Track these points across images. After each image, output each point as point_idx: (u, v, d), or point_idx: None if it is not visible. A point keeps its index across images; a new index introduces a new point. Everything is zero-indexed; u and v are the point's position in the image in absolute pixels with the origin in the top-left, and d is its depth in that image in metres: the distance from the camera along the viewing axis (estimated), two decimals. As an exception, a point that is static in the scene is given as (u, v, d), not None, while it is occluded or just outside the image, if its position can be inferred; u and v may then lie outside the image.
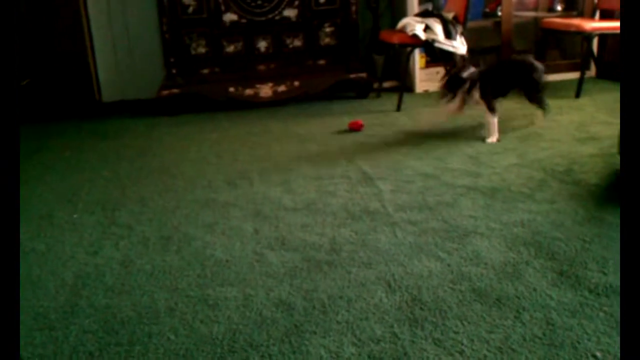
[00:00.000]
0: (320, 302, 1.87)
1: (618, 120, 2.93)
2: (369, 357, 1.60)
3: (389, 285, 1.96)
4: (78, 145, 3.86)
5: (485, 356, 1.58)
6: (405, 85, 4.76)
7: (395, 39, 4.37)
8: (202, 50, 4.61)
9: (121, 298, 1.96)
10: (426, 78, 4.95)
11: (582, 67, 4.55)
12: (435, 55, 4.77)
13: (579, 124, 3.76)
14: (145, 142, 3.86)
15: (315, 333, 1.71)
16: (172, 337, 1.72)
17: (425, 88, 4.94)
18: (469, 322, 1.74)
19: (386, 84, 4.82)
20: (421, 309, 1.82)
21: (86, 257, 2.26)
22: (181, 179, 3.11)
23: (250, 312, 1.84)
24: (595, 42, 5.02)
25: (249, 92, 4.55)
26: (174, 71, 4.57)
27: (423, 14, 4.50)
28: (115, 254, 2.28)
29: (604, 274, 1.96)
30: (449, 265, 2.08)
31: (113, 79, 4.99)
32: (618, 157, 2.94)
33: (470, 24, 4.74)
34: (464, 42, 4.36)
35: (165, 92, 4.52)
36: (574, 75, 4.81)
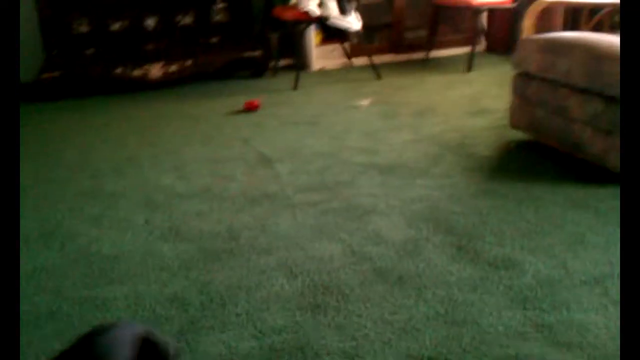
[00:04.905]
0: (218, 295, 1.78)
1: (507, 93, 3.00)
2: (270, 349, 1.53)
3: (290, 271, 1.89)
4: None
5: (389, 339, 1.55)
6: (301, 63, 4.68)
7: (289, 15, 4.27)
8: (84, 29, 4.30)
9: (-4, 304, 1.77)
10: (322, 55, 4.89)
11: (473, 42, 4.65)
12: (330, 32, 4.72)
13: (470, 98, 3.84)
14: (23, 129, 3.56)
15: (212, 328, 1.61)
16: (56, 344, 1.57)
17: (321, 65, 4.88)
18: (371, 304, 1.70)
19: (282, 62, 4.71)
20: (323, 293, 1.77)
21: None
22: (64, 167, 2.89)
23: (143, 310, 1.72)
24: (484, 17, 5.14)
25: (137, 72, 4.30)
26: (54, 52, 4.25)
27: (316, -10, 4.42)
28: (-11, 255, 2.07)
29: (502, 246, 1.99)
30: (350, 246, 2.03)
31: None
32: (508, 129, 3.01)
33: (364, 0, 4.73)
34: (359, 18, 4.34)
35: (45, 76, 4.19)
36: (466, 50, 4.91)
